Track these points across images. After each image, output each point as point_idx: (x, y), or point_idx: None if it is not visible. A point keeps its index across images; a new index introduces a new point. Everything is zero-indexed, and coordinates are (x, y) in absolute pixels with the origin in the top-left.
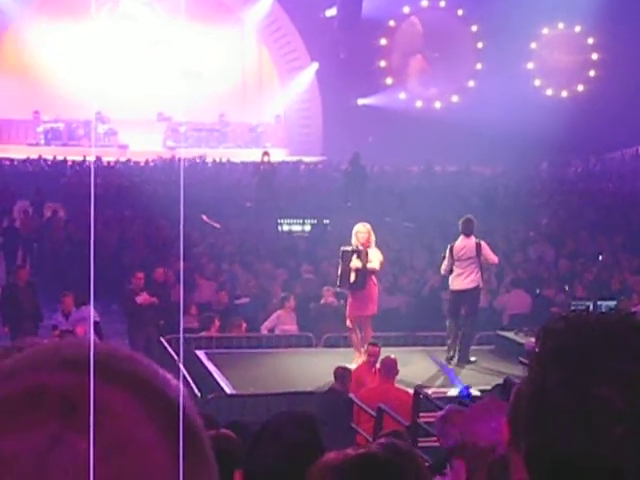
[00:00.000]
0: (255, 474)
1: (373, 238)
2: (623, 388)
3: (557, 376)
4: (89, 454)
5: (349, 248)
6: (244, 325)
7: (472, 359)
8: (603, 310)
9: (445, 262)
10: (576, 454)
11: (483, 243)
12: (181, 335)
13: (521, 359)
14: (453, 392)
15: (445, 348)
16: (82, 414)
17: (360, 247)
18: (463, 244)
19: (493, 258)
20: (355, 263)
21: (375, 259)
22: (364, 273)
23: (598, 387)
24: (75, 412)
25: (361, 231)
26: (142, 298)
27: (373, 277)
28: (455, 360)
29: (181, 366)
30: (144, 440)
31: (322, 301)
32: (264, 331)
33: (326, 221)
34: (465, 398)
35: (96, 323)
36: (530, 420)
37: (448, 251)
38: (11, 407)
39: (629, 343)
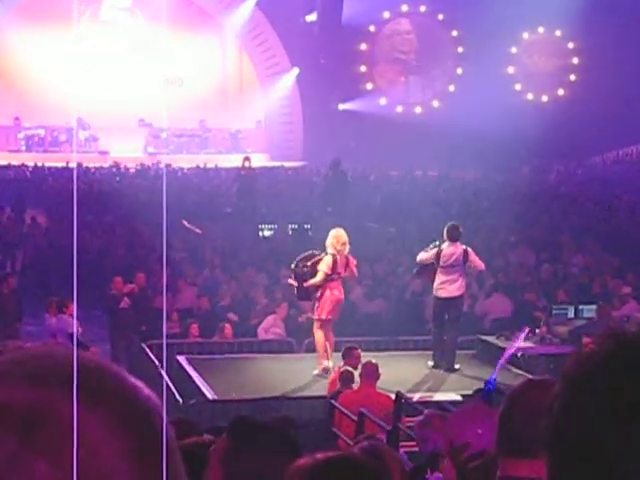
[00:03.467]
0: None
1: (330, 243)
2: None
3: (619, 432)
4: (47, 476)
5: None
6: (227, 327)
7: (456, 367)
8: (585, 314)
9: (425, 256)
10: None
11: (470, 249)
12: (164, 341)
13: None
14: (437, 397)
15: (427, 353)
16: (44, 432)
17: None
18: (452, 250)
19: (480, 264)
20: (290, 281)
21: (319, 273)
22: (305, 289)
23: None
24: (36, 430)
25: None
26: (124, 303)
27: (330, 284)
28: (442, 366)
29: (163, 372)
30: (109, 461)
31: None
32: (262, 332)
33: (307, 226)
34: (488, 390)
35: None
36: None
37: (434, 255)
38: None
39: None
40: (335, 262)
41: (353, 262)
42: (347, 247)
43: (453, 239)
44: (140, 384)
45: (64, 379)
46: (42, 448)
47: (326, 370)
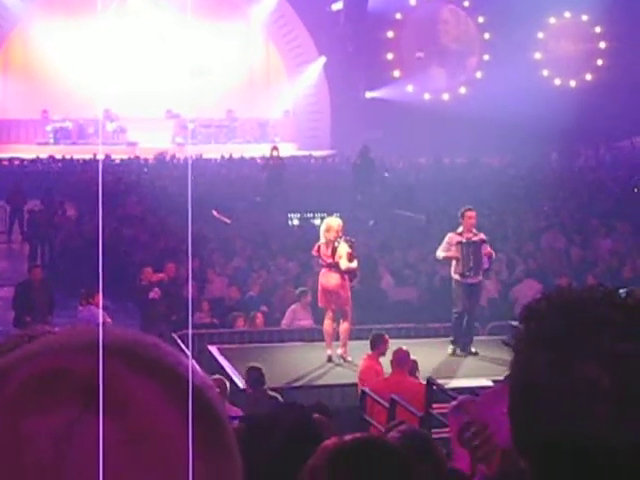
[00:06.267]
0: (249, 466)
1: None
2: (608, 367)
3: (542, 357)
4: (112, 437)
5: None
6: (259, 316)
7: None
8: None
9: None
10: (563, 435)
11: None
12: (189, 330)
13: (506, 341)
14: (468, 383)
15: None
16: (106, 396)
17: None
18: None
19: None
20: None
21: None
22: None
23: (583, 366)
24: (99, 394)
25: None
26: (154, 293)
27: (320, 271)
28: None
29: (194, 362)
30: (166, 428)
31: None
32: (284, 327)
33: (336, 214)
34: None
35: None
36: (516, 402)
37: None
38: (32, 389)
39: (613, 321)
40: (319, 249)
41: (342, 251)
42: (332, 235)
43: None
44: (194, 364)
45: (124, 351)
46: (105, 411)
47: (329, 358)
